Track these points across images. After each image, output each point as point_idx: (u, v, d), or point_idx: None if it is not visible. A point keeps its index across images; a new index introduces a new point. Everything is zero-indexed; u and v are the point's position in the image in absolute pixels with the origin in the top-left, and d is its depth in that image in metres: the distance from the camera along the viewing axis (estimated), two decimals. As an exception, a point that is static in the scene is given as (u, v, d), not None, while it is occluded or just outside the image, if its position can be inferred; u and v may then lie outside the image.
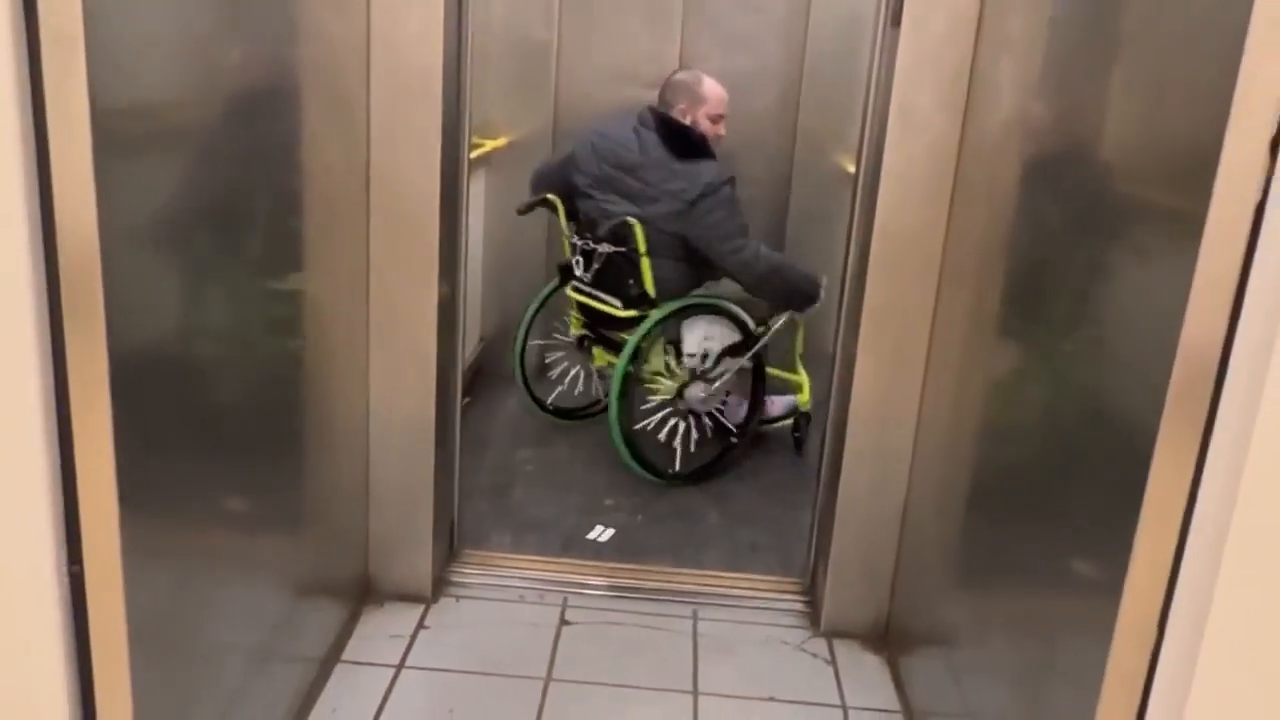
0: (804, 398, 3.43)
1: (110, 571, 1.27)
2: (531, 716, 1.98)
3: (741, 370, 3.21)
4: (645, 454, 3.09)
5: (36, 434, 1.20)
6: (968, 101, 2.02)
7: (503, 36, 3.70)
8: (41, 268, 1.16)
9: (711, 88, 3.17)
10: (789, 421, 3.47)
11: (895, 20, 2.03)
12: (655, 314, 3.04)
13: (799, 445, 3.44)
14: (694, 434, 3.14)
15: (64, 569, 1.25)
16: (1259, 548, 1.10)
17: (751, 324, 3.17)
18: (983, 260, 1.90)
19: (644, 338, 3.03)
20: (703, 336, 3.10)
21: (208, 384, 1.56)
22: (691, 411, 3.13)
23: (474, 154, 3.15)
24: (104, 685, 1.31)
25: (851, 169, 2.45)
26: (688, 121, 3.11)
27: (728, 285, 3.21)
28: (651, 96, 3.24)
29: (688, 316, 3.11)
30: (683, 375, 3.09)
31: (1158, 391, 1.14)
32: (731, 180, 3.01)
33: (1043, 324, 1.61)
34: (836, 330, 2.36)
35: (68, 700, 1.29)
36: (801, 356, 3.41)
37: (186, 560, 1.50)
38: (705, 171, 2.97)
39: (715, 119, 3.16)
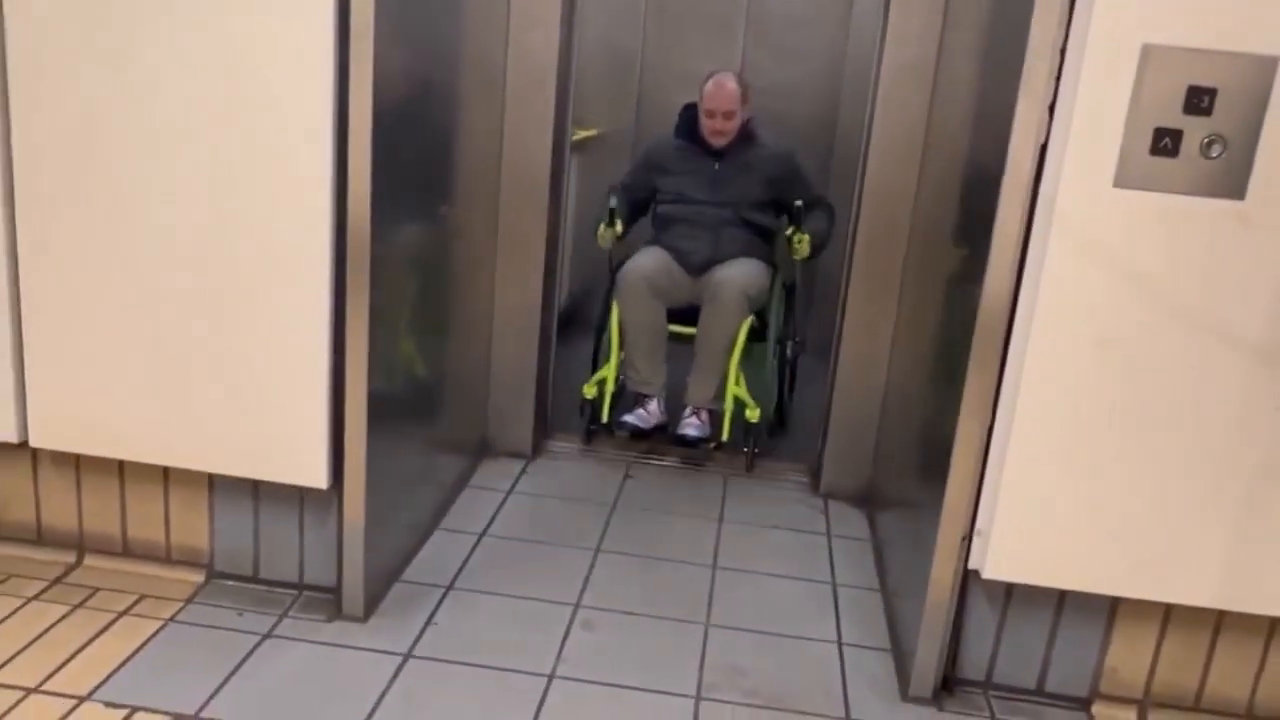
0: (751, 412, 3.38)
1: (358, 369, 2.10)
2: (601, 525, 2.80)
3: None
4: None
5: (323, 303, 2.04)
6: (933, 92, 2.78)
7: (598, 45, 4.54)
8: (333, 208, 1.99)
9: (708, 85, 3.47)
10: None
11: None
12: None
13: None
14: None
15: (328, 360, 2.10)
16: (1044, 370, 1.86)
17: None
18: (934, 209, 2.66)
19: None
20: None
21: (408, 286, 2.40)
22: None
23: (572, 139, 3.97)
24: (351, 439, 2.14)
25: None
26: None
27: None
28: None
29: None
30: None
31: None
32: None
33: (957, 250, 2.36)
34: (841, 265, 3.12)
35: (327, 449, 2.13)
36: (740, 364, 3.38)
37: (388, 397, 2.33)
38: None
39: (706, 113, 3.49)
